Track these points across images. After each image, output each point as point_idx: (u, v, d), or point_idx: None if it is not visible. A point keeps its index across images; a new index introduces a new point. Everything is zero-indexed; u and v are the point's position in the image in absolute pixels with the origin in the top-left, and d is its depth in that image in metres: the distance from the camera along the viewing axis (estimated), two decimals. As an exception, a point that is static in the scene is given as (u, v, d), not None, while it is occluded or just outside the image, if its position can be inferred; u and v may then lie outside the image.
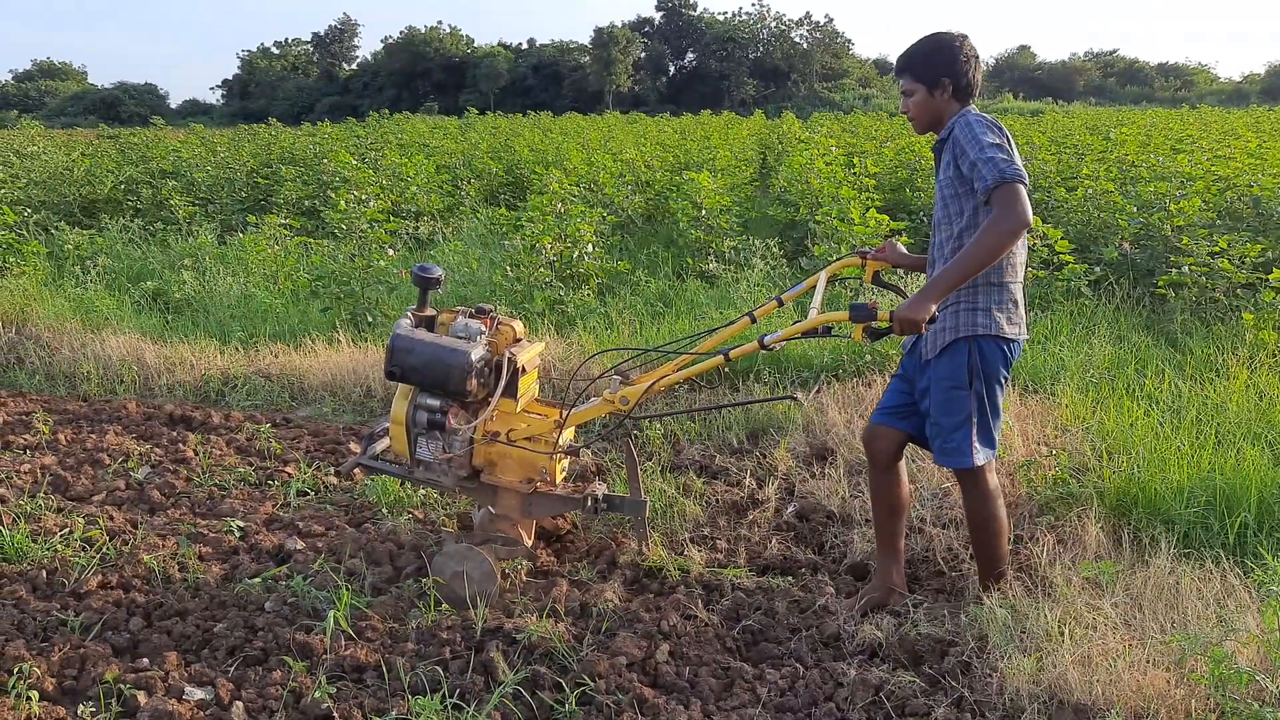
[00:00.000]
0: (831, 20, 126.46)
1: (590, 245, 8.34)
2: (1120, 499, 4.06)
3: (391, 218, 10.01)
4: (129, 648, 3.44)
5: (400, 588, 3.79)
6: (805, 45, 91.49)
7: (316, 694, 3.06)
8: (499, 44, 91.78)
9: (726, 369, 6.07)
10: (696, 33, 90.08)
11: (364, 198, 9.87)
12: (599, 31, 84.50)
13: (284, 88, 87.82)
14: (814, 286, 3.82)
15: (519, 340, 3.73)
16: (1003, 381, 3.31)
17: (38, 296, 7.93)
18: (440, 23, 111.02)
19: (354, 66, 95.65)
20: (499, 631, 3.44)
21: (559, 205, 8.54)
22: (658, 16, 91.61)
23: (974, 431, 3.28)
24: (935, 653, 3.32)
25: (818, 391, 5.72)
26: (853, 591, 3.76)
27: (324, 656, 3.32)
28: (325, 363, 6.65)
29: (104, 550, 4.03)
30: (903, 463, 3.64)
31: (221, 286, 8.37)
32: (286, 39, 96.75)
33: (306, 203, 12.66)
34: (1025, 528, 4.00)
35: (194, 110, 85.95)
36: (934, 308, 3.01)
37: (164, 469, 5.14)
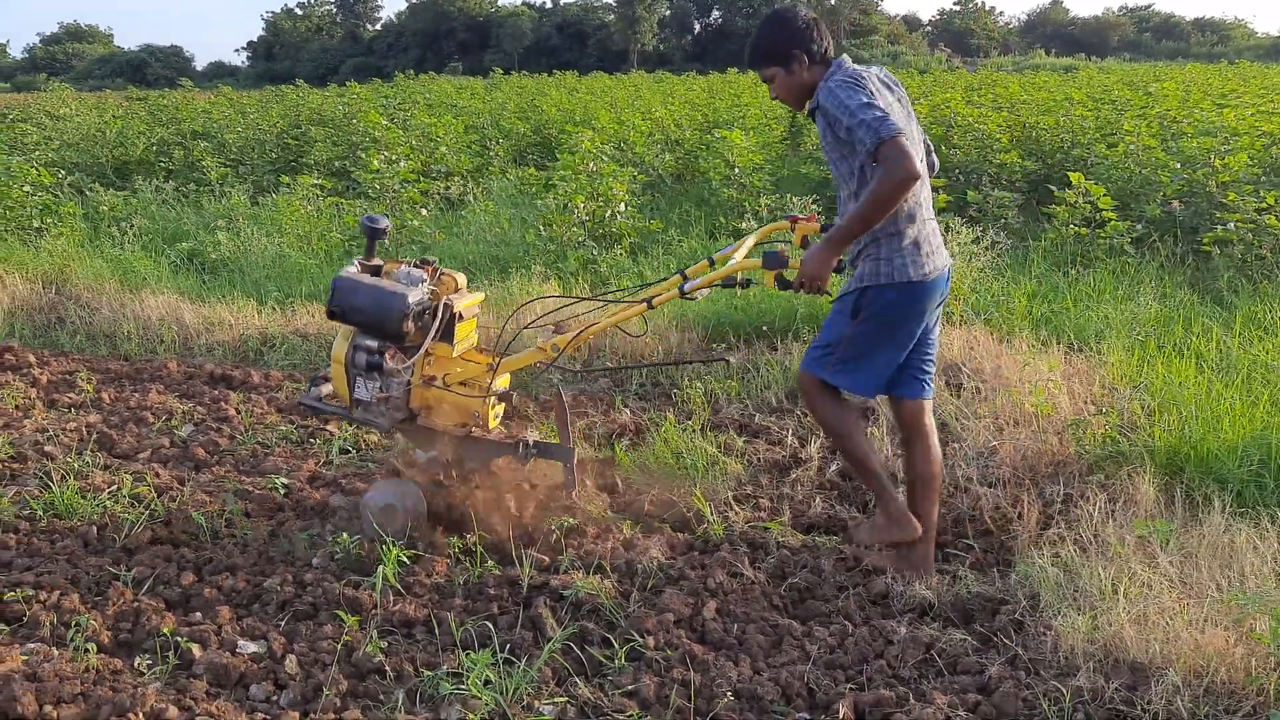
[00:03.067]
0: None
1: (623, 204, 8.28)
2: (1171, 457, 4.00)
3: (421, 178, 9.98)
4: (181, 602, 3.48)
5: (445, 543, 3.80)
6: (833, 2, 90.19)
7: (368, 648, 3.09)
8: (523, 3, 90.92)
9: (765, 328, 6.02)
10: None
11: (394, 158, 9.83)
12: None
13: (308, 49, 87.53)
14: (742, 247, 3.87)
15: (459, 290, 3.84)
16: (899, 324, 3.34)
17: (76, 257, 7.98)
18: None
19: (378, 27, 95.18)
20: (545, 588, 3.44)
21: (590, 164, 8.46)
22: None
23: (835, 357, 3.38)
24: (986, 611, 3.30)
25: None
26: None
27: (373, 612, 3.34)
28: (362, 322, 6.65)
29: (152, 507, 4.07)
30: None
31: (256, 247, 8.38)
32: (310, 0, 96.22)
33: (336, 163, 12.64)
34: (1075, 486, 3.95)
35: (219, 72, 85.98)
36: (835, 260, 3.17)
37: (207, 427, 5.17)
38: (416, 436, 3.90)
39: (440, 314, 3.67)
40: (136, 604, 3.38)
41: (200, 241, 9.02)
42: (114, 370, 6.17)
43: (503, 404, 3.90)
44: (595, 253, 7.73)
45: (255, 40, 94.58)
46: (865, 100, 3.07)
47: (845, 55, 3.37)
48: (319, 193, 9.80)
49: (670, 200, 10.79)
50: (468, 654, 3.02)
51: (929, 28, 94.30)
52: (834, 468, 4.44)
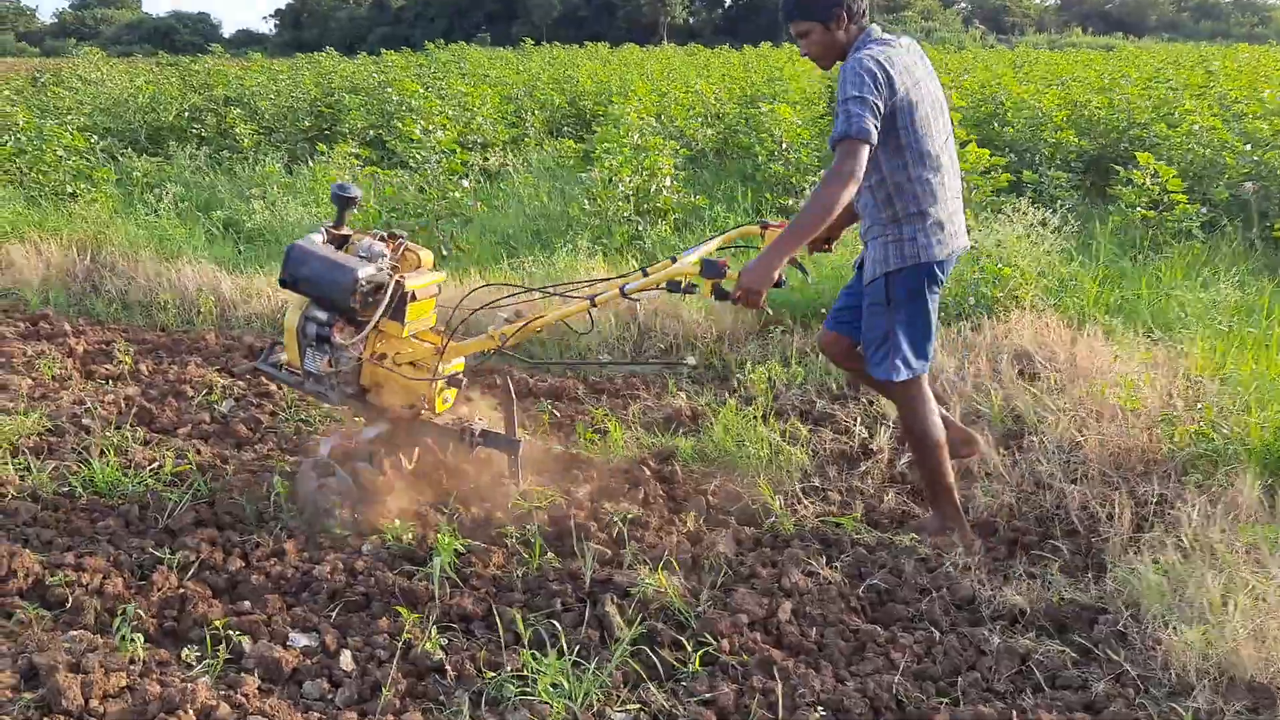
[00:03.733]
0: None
1: (668, 179, 8.04)
2: (1271, 455, 3.76)
3: (459, 149, 9.76)
4: (228, 588, 3.33)
5: (501, 530, 3.63)
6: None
7: (427, 644, 2.92)
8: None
9: (824, 310, 5.79)
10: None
11: (430, 128, 9.62)
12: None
13: (336, 18, 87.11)
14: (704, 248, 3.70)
15: (420, 268, 3.75)
16: (929, 298, 3.34)
17: (111, 223, 7.83)
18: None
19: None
20: (610, 584, 3.26)
21: (635, 137, 8.22)
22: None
23: (897, 348, 3.34)
24: (1083, 620, 3.09)
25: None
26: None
27: (429, 605, 3.17)
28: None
29: (195, 486, 3.91)
30: None
31: (292, 217, 8.21)
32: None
33: (371, 132, 12.44)
34: (1170, 487, 3.72)
35: (247, 40, 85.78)
36: (776, 274, 3.04)
37: (247, 403, 5.01)
38: (366, 413, 3.81)
39: (390, 291, 3.55)
40: (182, 590, 3.23)
41: (235, 210, 8.86)
42: (151, 341, 6.02)
43: (453, 389, 3.79)
44: (641, 227, 7.51)
45: (283, 8, 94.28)
46: (860, 94, 3.03)
47: (875, 24, 3.28)
48: (356, 162, 9.61)
49: (714, 175, 10.53)
50: (533, 655, 2.84)
51: (963, 4, 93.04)
52: (904, 459, 4.22)
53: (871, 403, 4.77)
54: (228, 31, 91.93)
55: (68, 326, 6.11)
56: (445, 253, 7.32)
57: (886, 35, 3.25)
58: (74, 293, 7.00)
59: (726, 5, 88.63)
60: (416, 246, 3.79)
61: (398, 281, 3.59)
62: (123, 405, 4.86)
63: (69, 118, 11.78)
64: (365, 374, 3.72)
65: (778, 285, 3.10)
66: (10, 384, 5.08)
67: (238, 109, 13.42)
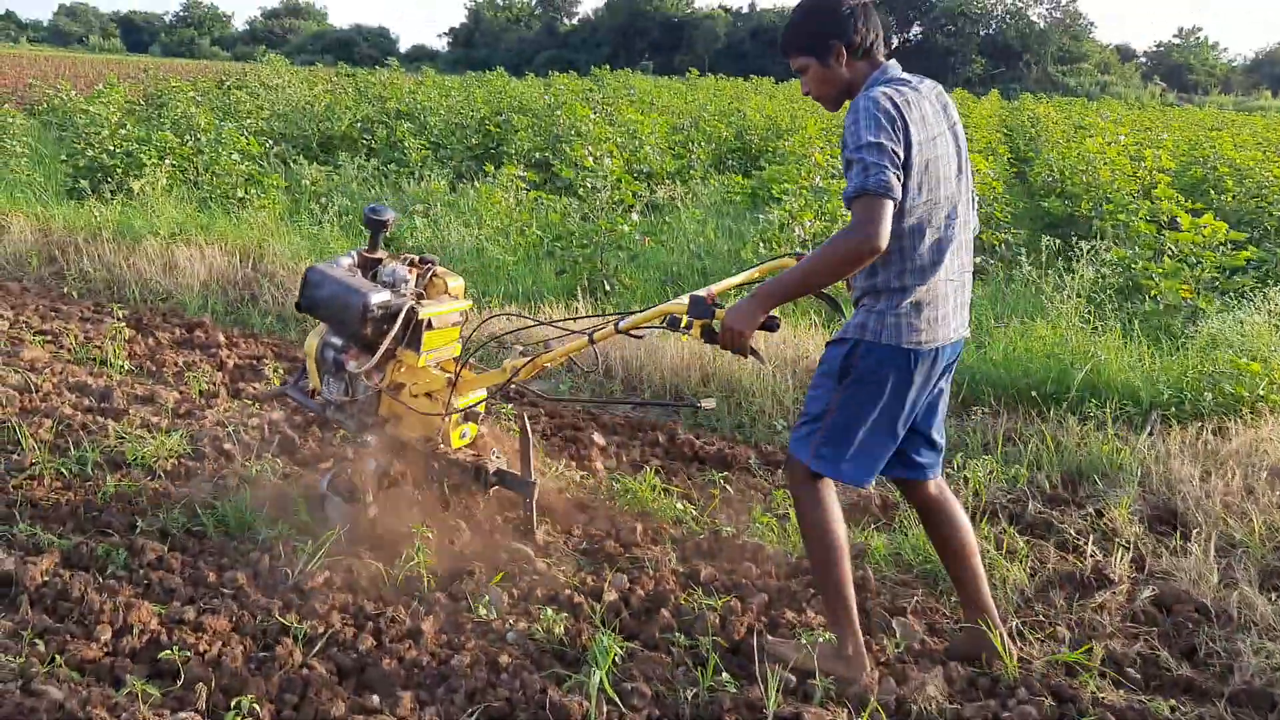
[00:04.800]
0: (1074, 1, 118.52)
1: (850, 226, 7.44)
2: None
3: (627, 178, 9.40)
4: (356, 670, 2.91)
5: (668, 634, 3.11)
6: (1042, 25, 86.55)
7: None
8: (720, 6, 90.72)
9: (1034, 392, 5.09)
10: (925, 4, 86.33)
11: (598, 154, 9.30)
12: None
13: (506, 38, 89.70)
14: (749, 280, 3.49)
15: (446, 294, 3.62)
16: (889, 394, 2.78)
17: (275, 231, 7.73)
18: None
19: (574, 21, 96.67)
20: (799, 721, 2.70)
21: (816, 178, 7.67)
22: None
23: (821, 433, 2.85)
24: None
25: (1151, 434, 4.68)
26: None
27: (584, 728, 2.67)
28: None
29: (328, 539, 3.52)
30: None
31: (454, 236, 7.96)
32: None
33: (537, 155, 12.25)
34: None
35: (420, 55, 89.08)
36: (762, 316, 2.72)
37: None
38: (389, 444, 3.59)
39: (401, 318, 3.41)
40: (305, 669, 2.83)
41: (399, 226, 8.70)
42: (301, 360, 5.76)
43: (470, 423, 3.59)
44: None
45: (457, 26, 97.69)
46: (877, 140, 2.57)
47: (893, 61, 2.84)
48: (521, 184, 9.35)
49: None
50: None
51: (1143, 59, 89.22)
52: (1148, 593, 3.51)
53: (1101, 515, 4.06)
54: (404, 46, 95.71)
55: (221, 337, 5.93)
56: (609, 287, 6.90)
57: (908, 75, 2.81)
58: (232, 300, 6.88)
59: (894, 47, 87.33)
60: (446, 272, 3.65)
61: (411, 309, 3.44)
62: (266, 431, 4.58)
63: (247, 121, 11.99)
64: (384, 405, 3.57)
65: (768, 328, 2.76)
66: (158, 396, 4.88)
67: (408, 123, 13.47)
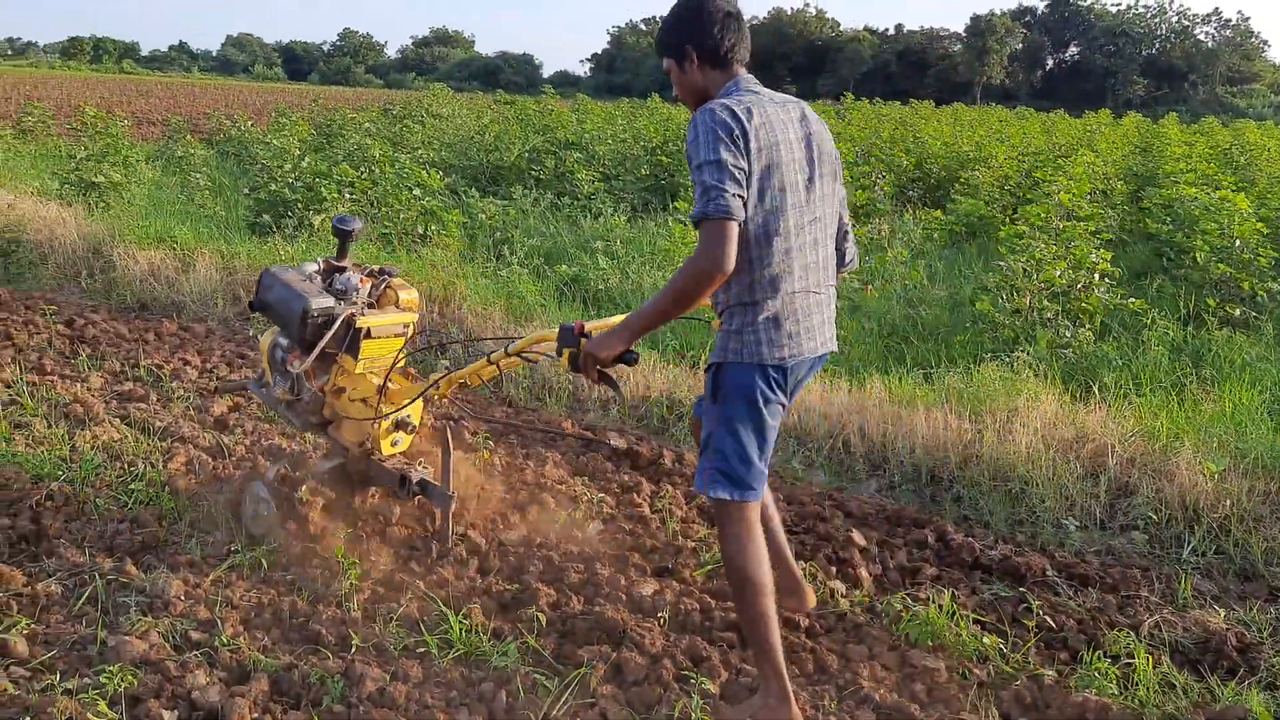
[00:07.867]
0: (1247, 19, 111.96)
1: (1099, 273, 6.54)
2: None
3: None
4: None
5: None
6: (1210, 44, 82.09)
7: None
8: (865, 28, 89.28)
9: None
10: (1083, 24, 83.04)
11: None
12: (976, 19, 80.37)
13: (646, 64, 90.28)
14: None
15: (395, 306, 3.68)
16: (762, 408, 2.76)
17: (461, 274, 7.29)
18: (807, 5, 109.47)
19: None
20: None
21: (1059, 221, 6.77)
22: (1041, 5, 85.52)
23: (720, 455, 2.80)
24: None
25: None
26: None
27: None
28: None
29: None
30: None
31: (647, 281, 7.37)
32: (655, 16, 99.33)
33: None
34: None
35: (563, 81, 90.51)
36: (620, 349, 2.72)
37: (618, 526, 4.03)
38: (331, 444, 3.77)
39: (338, 324, 3.51)
40: None
41: (579, 263, 8.19)
42: (500, 421, 5.23)
43: (401, 431, 3.61)
44: (1069, 332, 6.07)
45: (599, 52, 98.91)
46: (716, 157, 2.54)
47: (746, 74, 2.80)
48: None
49: (1130, 267, 8.82)
50: None
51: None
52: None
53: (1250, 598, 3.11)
54: (546, 72, 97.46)
55: (416, 394, 5.45)
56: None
57: (756, 87, 2.77)
58: (417, 349, 6.43)
59: (1048, 68, 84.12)
60: (401, 284, 3.73)
61: (349, 316, 3.54)
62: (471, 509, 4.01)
63: (419, 152, 11.77)
64: (328, 406, 3.70)
65: (626, 361, 2.76)
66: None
67: (577, 153, 13.05)
